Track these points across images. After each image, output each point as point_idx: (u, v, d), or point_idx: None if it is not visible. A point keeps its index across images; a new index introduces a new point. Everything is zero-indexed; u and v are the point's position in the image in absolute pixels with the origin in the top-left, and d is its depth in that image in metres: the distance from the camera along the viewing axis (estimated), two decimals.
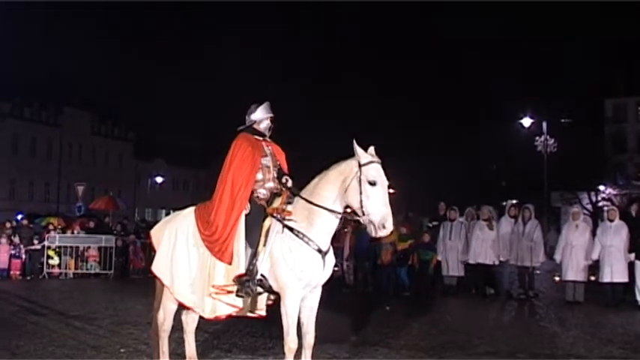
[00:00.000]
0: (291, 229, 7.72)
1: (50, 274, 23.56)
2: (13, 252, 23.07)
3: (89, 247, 24.28)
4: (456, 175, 56.80)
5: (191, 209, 8.52)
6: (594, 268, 17.82)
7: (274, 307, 7.99)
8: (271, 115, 8.49)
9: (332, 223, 7.76)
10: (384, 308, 15.67)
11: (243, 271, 7.81)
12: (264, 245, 7.81)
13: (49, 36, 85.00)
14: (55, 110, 70.22)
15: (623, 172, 57.84)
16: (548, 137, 43.57)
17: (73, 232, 25.32)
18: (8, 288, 19.49)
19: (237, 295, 7.87)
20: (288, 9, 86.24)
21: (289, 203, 7.93)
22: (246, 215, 7.98)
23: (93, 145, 75.86)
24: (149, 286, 8.99)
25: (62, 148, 71.45)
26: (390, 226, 7.41)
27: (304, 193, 7.89)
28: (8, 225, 24.69)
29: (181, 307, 8.55)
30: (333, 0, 66.70)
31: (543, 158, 43.35)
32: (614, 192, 55.27)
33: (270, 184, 8.21)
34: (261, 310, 8.15)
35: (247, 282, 7.78)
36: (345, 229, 19.25)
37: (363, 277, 20.04)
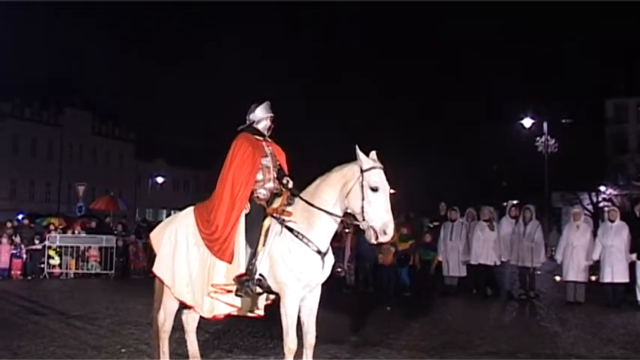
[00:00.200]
0: (290, 230, 7.71)
1: (51, 274, 23.57)
2: (14, 252, 23.09)
3: (90, 247, 24.31)
4: (456, 175, 56.81)
5: (190, 209, 8.53)
6: (595, 268, 17.82)
7: (274, 308, 7.99)
8: (271, 114, 8.49)
9: (331, 226, 7.77)
10: (385, 308, 15.68)
11: (243, 270, 7.81)
12: (264, 245, 7.81)
13: (49, 36, 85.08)
14: (55, 110, 70.24)
15: (624, 173, 57.85)
16: (549, 138, 43.57)
17: (73, 232, 25.33)
18: (9, 288, 19.50)
19: (237, 295, 7.88)
20: (288, 9, 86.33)
21: (289, 204, 7.93)
22: (246, 215, 7.98)
23: (94, 146, 75.88)
24: (150, 287, 8.96)
25: (63, 149, 71.48)
26: (390, 233, 7.41)
27: (305, 194, 7.88)
28: (9, 225, 24.72)
29: (182, 308, 8.55)
30: (333, 0, 66.67)
31: (544, 159, 43.33)
32: (615, 192, 55.28)
33: (270, 185, 8.20)
34: (260, 310, 8.15)
35: (247, 282, 7.78)
36: (347, 230, 19.23)
37: (364, 278, 20.04)
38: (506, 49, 73.18)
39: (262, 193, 8.14)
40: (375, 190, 7.40)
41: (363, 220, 7.44)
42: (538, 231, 18.30)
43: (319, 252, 7.68)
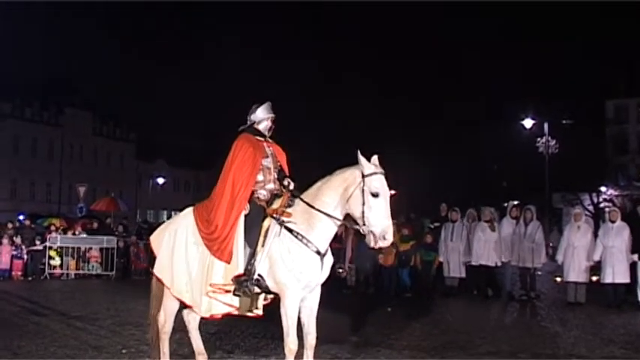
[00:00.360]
0: (290, 231, 7.73)
1: (52, 274, 23.57)
2: (14, 253, 23.09)
3: (91, 248, 24.31)
4: (457, 176, 56.75)
5: (189, 209, 8.56)
6: (596, 269, 17.83)
7: (275, 309, 8.00)
8: (272, 115, 8.50)
9: (331, 228, 7.80)
10: (386, 309, 15.68)
11: (241, 271, 7.83)
12: (263, 246, 7.84)
13: (50, 36, 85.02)
14: (56, 111, 70.26)
15: (625, 173, 57.79)
16: (549, 138, 43.55)
17: (74, 233, 25.33)
18: (10, 288, 19.51)
19: (235, 295, 7.90)
20: (288, 9, 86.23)
21: (289, 205, 7.95)
22: (245, 216, 8.00)
23: (94, 146, 75.87)
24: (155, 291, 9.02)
25: (63, 149, 71.46)
26: (390, 238, 7.47)
27: (306, 196, 7.91)
28: (10, 225, 24.73)
29: (182, 307, 8.57)
30: (333, 0, 66.61)
31: (545, 159, 43.31)
32: (616, 193, 55.24)
33: (271, 186, 8.23)
34: (259, 310, 8.18)
35: (245, 282, 7.80)
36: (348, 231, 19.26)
37: (365, 278, 20.03)
38: (507, 50, 73.20)
39: (262, 193, 8.16)
40: (375, 195, 7.44)
41: (364, 224, 7.48)
42: (539, 232, 18.29)
43: (318, 253, 7.70)
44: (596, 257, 17.18)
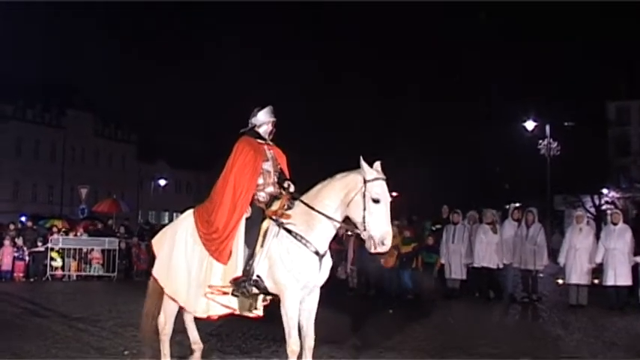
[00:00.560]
0: (289, 232, 7.77)
1: (53, 276, 23.58)
2: (16, 254, 23.10)
3: (92, 250, 24.31)
4: (458, 177, 56.72)
5: (190, 211, 8.62)
6: (598, 271, 17.81)
7: (276, 310, 8.01)
8: (273, 119, 8.55)
9: (331, 230, 7.85)
10: (387, 311, 15.68)
11: (240, 273, 7.87)
12: (262, 246, 7.88)
13: (51, 38, 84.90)
14: (57, 112, 70.27)
15: (627, 175, 57.72)
16: (551, 140, 43.55)
17: (76, 235, 25.34)
18: (11, 290, 19.52)
19: (233, 295, 7.94)
20: (288, 9, 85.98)
21: (289, 207, 7.99)
22: (246, 219, 8.04)
23: (96, 148, 75.88)
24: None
25: (65, 151, 71.45)
26: (388, 244, 7.50)
27: (306, 197, 7.95)
28: (12, 227, 24.75)
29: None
30: (333, 0, 66.47)
31: (546, 161, 43.32)
32: (618, 195, 55.22)
33: (271, 189, 8.28)
34: (258, 310, 8.21)
35: (243, 282, 7.84)
36: (350, 233, 19.24)
37: (367, 280, 20.03)
38: (508, 50, 73.01)
39: (262, 196, 8.22)
40: (376, 201, 7.49)
41: (364, 229, 7.52)
42: (540, 234, 18.28)
43: (317, 253, 7.73)
44: (598, 259, 17.16)
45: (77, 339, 11.30)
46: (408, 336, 12.24)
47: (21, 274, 23.05)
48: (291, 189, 8.18)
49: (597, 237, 17.86)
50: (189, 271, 8.22)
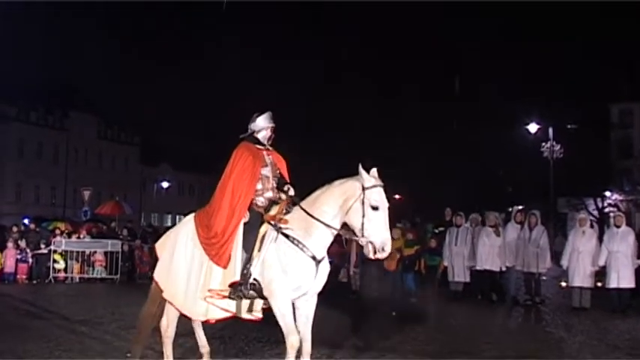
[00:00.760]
0: (287, 236, 7.83)
1: (56, 278, 23.59)
2: (19, 256, 23.11)
3: (95, 252, 24.32)
4: (461, 180, 56.71)
5: (191, 216, 8.70)
6: (601, 274, 17.78)
7: (272, 314, 8.07)
8: (272, 125, 8.63)
9: (328, 237, 7.91)
10: (391, 314, 15.66)
11: (238, 277, 7.95)
12: (259, 251, 7.95)
13: (53, 39, 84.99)
14: (60, 114, 70.30)
15: (630, 178, 57.65)
16: (554, 143, 43.55)
17: (79, 237, 25.35)
18: (14, 292, 19.55)
19: (230, 298, 8.02)
20: (288, 9, 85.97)
21: (287, 212, 8.05)
22: (245, 223, 8.12)
23: (99, 150, 75.91)
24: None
25: (68, 153, 71.49)
26: (388, 250, 7.61)
27: (304, 203, 8.02)
28: (15, 229, 24.77)
29: None
30: (333, 0, 66.42)
31: (549, 164, 43.31)
32: (621, 198, 55.18)
33: (269, 194, 8.37)
34: (258, 313, 8.29)
35: (240, 286, 7.92)
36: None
37: (370, 283, 20.01)
38: (511, 52, 73.02)
39: (261, 201, 8.30)
40: (375, 208, 7.57)
41: (363, 236, 7.59)
42: (543, 236, 18.26)
43: (314, 258, 7.79)
44: (601, 262, 17.14)
45: (80, 341, 11.31)
46: (410, 338, 12.24)
47: (24, 277, 23.05)
48: (291, 192, 8.25)
49: (600, 240, 17.87)
50: (188, 275, 8.29)
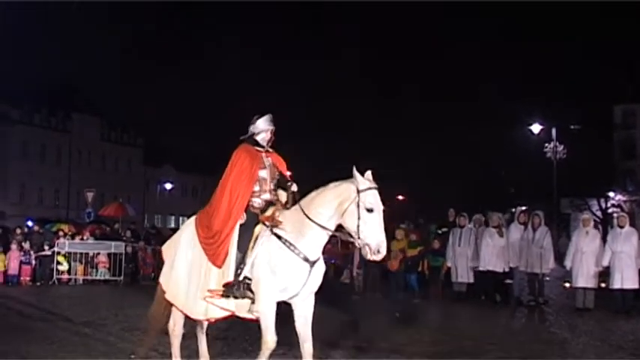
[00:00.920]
0: (279, 237, 7.88)
1: (60, 280, 23.62)
2: (23, 258, 23.14)
3: (99, 254, 24.34)
4: (465, 181, 56.73)
5: (193, 217, 8.79)
6: (604, 274, 17.77)
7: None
8: (272, 127, 8.64)
9: (323, 238, 7.91)
10: (394, 315, 15.66)
11: (231, 278, 8.00)
12: (252, 250, 8.00)
13: (56, 41, 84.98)
14: (63, 116, 70.32)
15: (633, 179, 57.64)
16: (557, 143, 43.54)
17: (82, 239, 25.37)
18: (18, 294, 19.56)
19: (224, 296, 8.06)
20: (288, 9, 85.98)
21: (286, 209, 8.13)
22: (241, 225, 8.18)
23: (102, 152, 75.91)
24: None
25: (71, 155, 71.51)
26: (383, 252, 7.62)
27: (301, 204, 8.05)
28: (18, 231, 24.80)
29: None
30: (333, 0, 66.43)
31: (553, 165, 43.30)
32: (624, 198, 55.14)
33: (267, 196, 8.40)
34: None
35: (232, 287, 7.98)
36: None
37: (373, 284, 20.04)
38: (513, 53, 73.08)
39: (257, 202, 8.34)
40: (370, 210, 7.58)
41: (358, 238, 7.61)
42: (547, 237, 18.26)
43: (307, 260, 7.81)
44: (605, 263, 17.13)
45: (84, 343, 11.31)
46: (414, 339, 12.22)
47: (27, 278, 23.08)
48: (294, 188, 8.28)
49: (604, 240, 17.85)
50: (188, 276, 8.38)
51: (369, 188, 7.63)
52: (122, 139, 79.85)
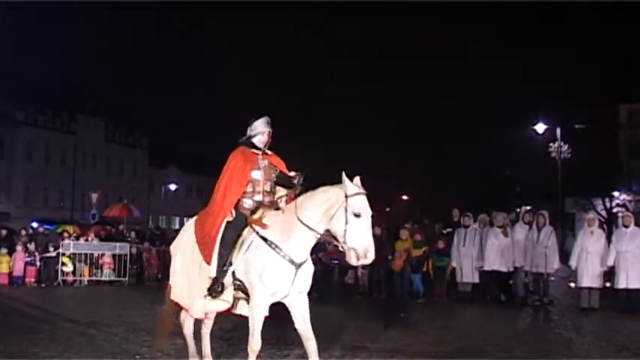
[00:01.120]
0: (265, 240, 8.00)
1: (65, 281, 23.64)
2: (28, 259, 23.17)
3: (103, 255, 24.37)
4: (469, 181, 56.75)
5: (194, 218, 9.02)
6: (609, 274, 17.75)
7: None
8: (268, 129, 8.78)
9: (310, 240, 8.00)
10: (399, 315, 15.66)
11: (214, 274, 8.24)
12: (239, 252, 8.15)
13: (60, 43, 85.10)
14: (68, 118, 70.39)
15: (638, 178, 57.51)
16: (562, 143, 43.49)
17: (87, 240, 25.41)
18: (23, 295, 19.58)
19: (210, 295, 8.31)
20: (288, 9, 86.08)
21: (277, 208, 8.28)
22: (229, 222, 8.36)
23: (107, 153, 75.96)
24: (164, 294, 9.21)
25: (76, 156, 71.59)
26: (371, 256, 7.68)
27: (288, 208, 8.20)
28: (23, 232, 24.85)
29: None
30: (333, 0, 66.55)
31: (557, 164, 43.24)
32: (629, 198, 54.99)
33: (259, 197, 8.53)
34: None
35: (214, 284, 8.23)
36: None
37: (378, 284, 20.04)
38: (518, 52, 73.06)
39: (248, 203, 8.48)
40: (358, 215, 7.65)
41: (345, 242, 7.68)
42: (552, 237, 18.23)
43: (292, 262, 7.91)
44: (610, 262, 17.12)
45: (89, 344, 11.33)
46: (419, 339, 12.23)
47: (32, 280, 23.12)
48: (300, 179, 8.39)
49: (609, 240, 17.83)
50: (188, 275, 8.61)
51: (357, 193, 7.71)
52: (127, 140, 79.87)
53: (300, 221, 7.84)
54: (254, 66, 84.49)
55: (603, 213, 50.80)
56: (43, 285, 23.04)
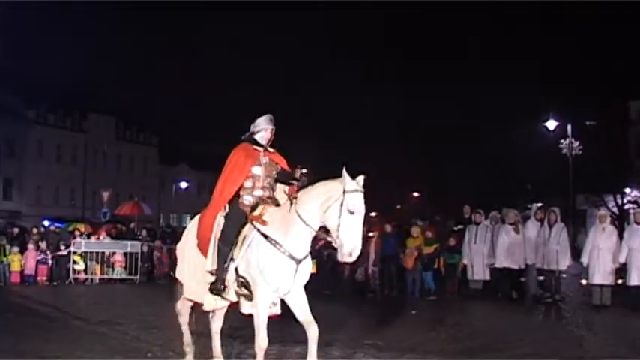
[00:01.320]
0: (265, 237, 8.02)
1: (76, 279, 23.70)
2: (39, 258, 23.24)
3: (115, 253, 24.42)
4: (480, 178, 56.61)
5: (198, 215, 9.07)
6: (621, 271, 17.68)
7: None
8: (271, 127, 8.83)
9: (307, 235, 8.03)
10: (410, 312, 15.66)
11: (210, 267, 8.33)
12: (240, 249, 8.19)
13: (71, 42, 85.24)
14: (79, 116, 70.52)
15: None
16: (573, 140, 43.35)
17: (98, 238, 25.47)
18: (35, 293, 19.65)
19: (211, 292, 8.36)
20: (287, 9, 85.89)
21: (276, 206, 8.35)
22: (227, 216, 8.44)
23: (118, 151, 76.05)
24: (175, 292, 9.21)
25: (87, 154, 71.72)
26: (355, 255, 7.72)
27: (285, 204, 8.25)
28: (35, 231, 24.92)
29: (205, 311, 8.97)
30: (333, 0, 66.33)
31: (568, 161, 43.11)
32: None
33: (259, 192, 8.56)
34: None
35: (216, 281, 8.26)
36: (371, 234, 19.28)
37: (389, 282, 20.03)
38: (529, 49, 72.77)
39: (248, 199, 8.51)
40: (351, 212, 7.67)
41: (338, 237, 7.70)
42: (563, 233, 18.19)
43: (292, 258, 7.95)
44: (622, 259, 17.06)
45: (101, 342, 11.36)
46: (430, 337, 12.24)
47: (44, 278, 23.18)
48: (303, 171, 8.37)
49: (620, 236, 17.76)
50: (194, 269, 8.68)
51: (355, 191, 7.72)
52: (138, 138, 79.95)
53: (298, 216, 7.87)
54: (254, 66, 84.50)
55: (614, 209, 50.60)
56: (55, 283, 23.13)
